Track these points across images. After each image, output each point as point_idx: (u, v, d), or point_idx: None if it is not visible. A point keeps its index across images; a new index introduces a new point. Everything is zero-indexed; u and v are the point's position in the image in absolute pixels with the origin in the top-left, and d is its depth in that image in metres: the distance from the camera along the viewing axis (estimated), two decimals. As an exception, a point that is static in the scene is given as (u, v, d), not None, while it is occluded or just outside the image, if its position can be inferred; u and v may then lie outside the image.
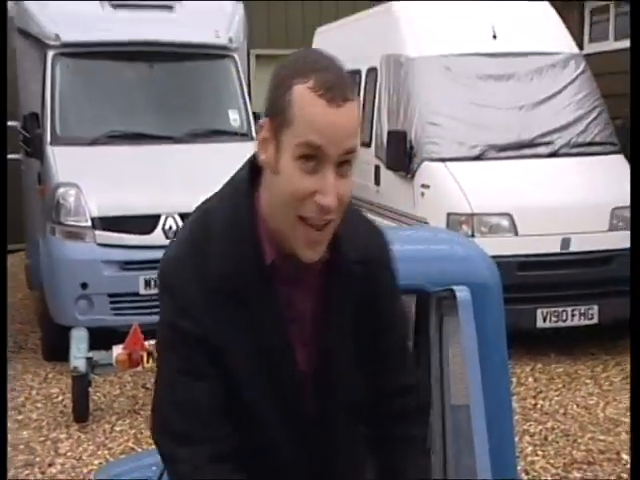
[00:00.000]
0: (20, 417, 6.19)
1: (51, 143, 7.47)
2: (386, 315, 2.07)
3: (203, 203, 1.99)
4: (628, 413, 6.01)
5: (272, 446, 2.00)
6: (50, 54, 7.73)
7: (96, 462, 5.38)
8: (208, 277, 1.84)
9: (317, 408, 1.99)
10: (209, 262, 1.84)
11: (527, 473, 5.17)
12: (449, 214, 7.13)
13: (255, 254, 1.85)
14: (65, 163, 7.28)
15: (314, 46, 10.91)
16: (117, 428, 5.98)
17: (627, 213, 7.26)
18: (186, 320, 1.84)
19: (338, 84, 1.73)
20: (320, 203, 1.72)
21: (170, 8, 8.20)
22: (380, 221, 8.12)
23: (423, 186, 7.54)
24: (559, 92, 7.97)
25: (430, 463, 2.27)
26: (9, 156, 7.75)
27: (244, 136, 7.75)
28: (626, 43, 8.63)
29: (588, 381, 6.77)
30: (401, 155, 7.69)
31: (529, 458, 5.36)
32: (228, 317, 1.86)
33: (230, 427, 1.90)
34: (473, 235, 6.81)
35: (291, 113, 1.71)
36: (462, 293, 2.44)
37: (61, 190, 7.09)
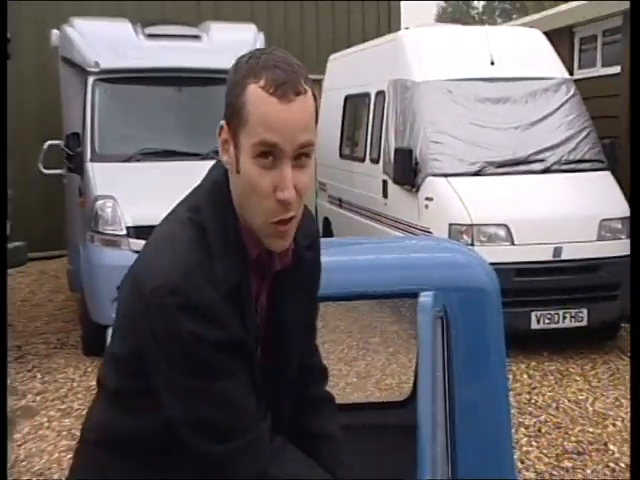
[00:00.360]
0: (63, 406, 6.20)
1: (91, 160, 7.46)
2: (317, 290, 2.13)
3: (189, 211, 1.87)
4: (615, 407, 6.07)
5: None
6: (90, 80, 7.73)
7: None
8: (218, 282, 1.74)
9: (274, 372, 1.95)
10: (214, 267, 1.75)
11: (522, 462, 5.13)
12: (451, 224, 7.07)
13: (244, 252, 1.80)
14: (103, 178, 7.27)
15: (328, 71, 10.89)
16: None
17: (614, 224, 7.29)
18: (216, 328, 1.72)
19: (289, 79, 1.68)
20: (280, 198, 1.67)
21: (197, 37, 8.33)
22: (387, 231, 8.09)
23: (427, 199, 7.48)
24: (551, 114, 7.91)
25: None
26: (53, 171, 7.80)
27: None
28: (612, 69, 8.61)
29: (578, 378, 6.73)
30: (407, 170, 7.64)
31: (524, 448, 5.32)
32: (238, 313, 1.79)
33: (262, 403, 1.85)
34: (473, 244, 6.74)
35: (246, 113, 1.67)
36: (424, 298, 2.39)
37: (99, 202, 7.07)
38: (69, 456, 5.35)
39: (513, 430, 4.43)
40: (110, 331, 1.94)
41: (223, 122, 1.76)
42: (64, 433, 5.75)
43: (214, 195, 1.84)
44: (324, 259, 2.62)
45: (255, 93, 1.67)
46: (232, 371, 1.76)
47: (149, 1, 12.09)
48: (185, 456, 1.84)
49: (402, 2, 13.95)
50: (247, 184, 1.71)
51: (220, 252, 1.76)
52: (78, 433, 6.36)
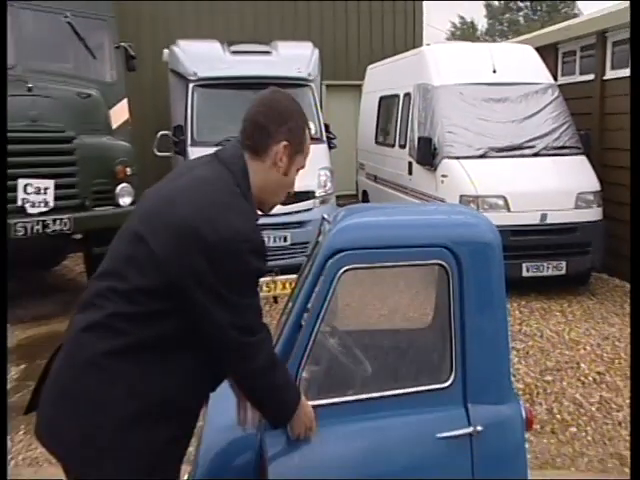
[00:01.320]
0: None
1: (190, 145, 7.60)
2: None
3: (234, 186, 2.00)
4: (585, 336, 6.04)
5: None
6: (190, 86, 7.88)
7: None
8: (255, 231, 1.95)
9: None
10: (252, 221, 1.97)
11: (513, 376, 5.07)
12: (461, 196, 7.02)
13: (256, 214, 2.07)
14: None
15: (366, 78, 10.78)
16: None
17: (588, 196, 7.20)
18: (265, 263, 1.98)
19: None
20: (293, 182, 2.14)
21: (269, 53, 8.38)
22: (412, 200, 8.07)
23: (443, 176, 7.43)
24: (540, 111, 7.79)
25: None
26: (164, 154, 7.90)
27: (318, 140, 7.73)
28: (588, 77, 8.43)
29: (557, 313, 6.72)
30: (427, 154, 7.59)
31: (515, 366, 5.31)
32: None
33: None
34: (479, 211, 6.66)
35: (304, 146, 2.11)
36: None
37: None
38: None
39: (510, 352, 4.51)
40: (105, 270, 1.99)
41: (286, 142, 2.03)
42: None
43: (245, 178, 2.01)
44: (365, 219, 2.72)
45: (308, 135, 2.14)
46: (258, 292, 2.04)
47: (232, 26, 12.09)
48: (199, 347, 1.97)
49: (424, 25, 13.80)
50: (288, 184, 2.12)
51: (253, 214, 2.02)
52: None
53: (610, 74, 8.08)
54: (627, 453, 4.04)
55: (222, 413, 2.61)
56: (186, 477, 2.57)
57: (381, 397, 2.51)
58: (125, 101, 7.42)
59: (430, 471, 2.46)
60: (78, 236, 6.62)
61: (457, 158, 7.32)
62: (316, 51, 8.68)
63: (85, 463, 1.87)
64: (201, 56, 8.10)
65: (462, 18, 41.45)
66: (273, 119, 2.03)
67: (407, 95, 8.62)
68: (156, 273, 1.84)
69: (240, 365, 1.97)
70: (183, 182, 1.98)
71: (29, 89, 6.16)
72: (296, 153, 2.06)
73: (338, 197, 8.17)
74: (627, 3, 8.18)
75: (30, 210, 6.02)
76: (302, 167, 2.12)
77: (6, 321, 3.85)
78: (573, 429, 4.33)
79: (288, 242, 6.87)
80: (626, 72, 7.64)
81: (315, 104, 8.23)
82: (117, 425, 1.83)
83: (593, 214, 7.18)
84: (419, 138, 7.76)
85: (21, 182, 5.98)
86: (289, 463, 2.37)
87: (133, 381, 1.85)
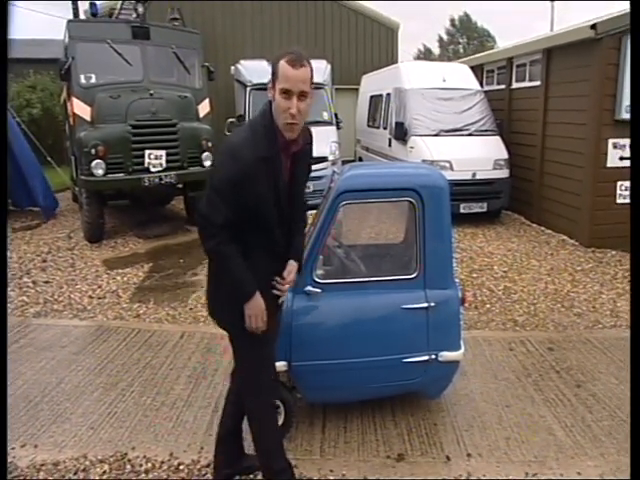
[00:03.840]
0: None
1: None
2: (310, 164, 2.00)
3: (250, 120, 1.85)
4: (497, 249, 5.89)
5: (275, 239, 1.89)
6: (248, 89, 7.59)
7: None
8: (258, 151, 1.74)
9: (288, 213, 1.89)
10: (259, 144, 1.74)
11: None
12: (423, 160, 6.79)
13: (276, 139, 1.77)
14: None
15: (362, 83, 10.34)
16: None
17: (500, 162, 6.98)
18: (242, 176, 1.72)
19: (298, 58, 1.71)
20: (289, 112, 1.72)
21: None
22: (393, 163, 7.85)
23: (411, 147, 7.19)
24: (472, 106, 7.46)
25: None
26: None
27: (329, 124, 7.52)
28: (501, 86, 8.05)
29: (480, 235, 6.58)
30: (401, 133, 7.34)
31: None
32: (263, 172, 1.76)
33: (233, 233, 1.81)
34: (432, 170, 6.53)
35: (279, 74, 1.72)
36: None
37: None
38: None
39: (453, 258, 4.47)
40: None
41: (271, 78, 1.77)
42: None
43: (263, 113, 1.81)
44: (360, 171, 2.64)
45: (283, 63, 1.72)
46: (229, 196, 1.75)
47: (274, 49, 11.57)
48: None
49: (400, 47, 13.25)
50: (278, 105, 1.74)
51: (260, 137, 1.76)
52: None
53: (515, 85, 7.74)
54: (520, 319, 4.05)
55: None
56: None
57: (369, 281, 2.54)
58: (207, 100, 7.19)
59: (399, 328, 2.49)
60: (180, 185, 6.57)
61: (420, 136, 7.09)
62: (329, 66, 8.34)
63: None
64: (255, 70, 7.76)
65: (424, 46, 41.41)
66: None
67: (388, 95, 8.28)
68: None
69: (202, 242, 1.83)
70: None
71: (151, 94, 6.10)
72: (275, 80, 1.74)
73: (343, 162, 7.98)
74: (526, 39, 7.72)
75: (152, 169, 6.00)
76: (284, 91, 1.72)
77: (6, 320, 3.49)
78: (488, 306, 4.33)
79: (311, 189, 6.76)
80: (524, 84, 7.46)
81: (328, 100, 7.93)
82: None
83: (504, 173, 6.98)
84: (396, 122, 7.50)
85: (147, 152, 5.97)
86: (308, 310, 2.43)
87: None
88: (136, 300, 4.44)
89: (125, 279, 4.97)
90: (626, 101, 5.56)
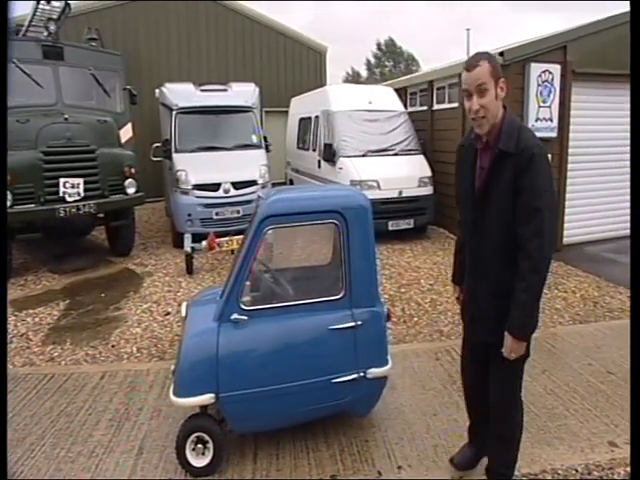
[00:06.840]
0: (164, 272, 5.98)
1: (175, 152, 7.10)
2: (522, 183, 1.81)
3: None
4: (424, 264, 6.12)
5: (468, 238, 2.09)
6: (174, 113, 7.34)
7: (195, 290, 5.23)
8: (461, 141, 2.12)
9: (482, 216, 1.97)
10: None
11: (382, 290, 5.17)
12: (351, 180, 7.00)
13: (475, 136, 2.00)
14: (180, 160, 6.94)
15: (291, 105, 10.46)
16: (206, 277, 5.81)
17: (424, 180, 7.29)
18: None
19: (472, 61, 1.88)
20: (470, 109, 1.91)
21: (226, 90, 7.84)
22: (320, 184, 8.01)
23: (339, 168, 7.37)
24: (397, 127, 7.81)
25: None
26: (157, 159, 7.46)
27: (258, 147, 7.50)
28: (423, 107, 8.52)
29: (408, 251, 6.80)
30: (330, 154, 7.51)
31: (384, 284, 5.35)
32: (468, 162, 2.06)
33: None
34: (362, 189, 6.62)
35: (462, 80, 1.93)
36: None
37: (178, 172, 6.79)
38: (167, 288, 5.29)
39: (379, 276, 4.55)
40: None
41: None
42: (159, 284, 5.56)
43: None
44: (284, 195, 2.59)
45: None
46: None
47: (201, 72, 11.55)
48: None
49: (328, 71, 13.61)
50: (466, 106, 1.93)
51: (467, 135, 2.10)
52: (172, 284, 5.98)
53: (436, 106, 8.22)
54: (446, 329, 4.21)
55: (196, 323, 2.57)
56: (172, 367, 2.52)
57: (296, 304, 2.54)
58: (130, 124, 7.02)
59: (327, 349, 2.51)
60: (101, 215, 6.30)
61: (348, 157, 7.28)
62: (257, 88, 8.33)
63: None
64: (180, 93, 7.60)
65: (352, 69, 41.84)
66: None
67: (317, 117, 8.47)
68: None
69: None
70: None
71: (65, 119, 5.82)
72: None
73: (273, 184, 8.01)
74: (444, 64, 8.29)
75: (68, 199, 5.70)
76: (465, 91, 1.91)
77: (6, 320, 3.41)
78: (415, 319, 4.46)
79: (241, 214, 6.72)
80: (444, 105, 7.93)
81: (256, 123, 7.97)
82: None
83: (428, 190, 7.32)
84: (324, 144, 7.67)
85: (62, 180, 5.65)
86: (234, 339, 2.40)
87: None
88: (50, 342, 4.10)
89: (37, 320, 4.58)
90: (531, 121, 6.18)
